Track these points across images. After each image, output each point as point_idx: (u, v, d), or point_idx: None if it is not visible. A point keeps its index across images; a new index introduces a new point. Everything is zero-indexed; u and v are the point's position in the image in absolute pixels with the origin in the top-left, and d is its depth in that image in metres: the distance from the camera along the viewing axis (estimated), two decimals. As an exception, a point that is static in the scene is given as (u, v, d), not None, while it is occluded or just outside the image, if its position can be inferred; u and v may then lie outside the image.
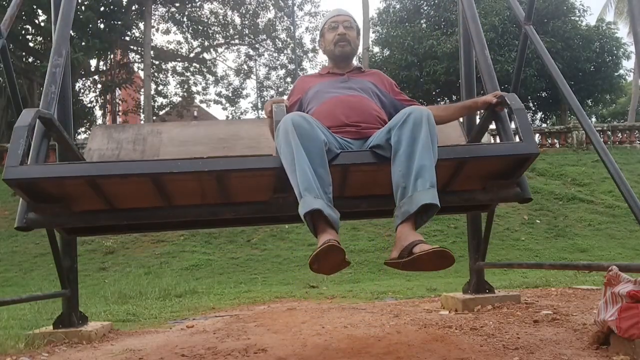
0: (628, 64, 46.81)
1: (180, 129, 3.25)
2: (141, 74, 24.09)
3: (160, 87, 27.12)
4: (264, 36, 25.94)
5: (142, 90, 23.34)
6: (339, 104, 2.38)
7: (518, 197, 2.45)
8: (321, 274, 1.89)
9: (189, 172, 2.05)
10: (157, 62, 25.75)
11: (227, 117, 29.05)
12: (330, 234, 1.82)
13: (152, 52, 22.72)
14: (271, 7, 25.58)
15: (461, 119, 3.19)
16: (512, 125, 2.41)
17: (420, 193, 1.85)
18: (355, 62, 2.74)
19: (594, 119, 30.88)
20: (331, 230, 1.84)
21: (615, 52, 21.04)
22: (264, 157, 2.14)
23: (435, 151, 1.95)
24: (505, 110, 2.40)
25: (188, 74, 26.85)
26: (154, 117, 25.25)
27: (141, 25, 23.36)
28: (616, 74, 21.69)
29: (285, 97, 2.53)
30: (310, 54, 26.73)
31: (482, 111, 2.65)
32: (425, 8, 21.50)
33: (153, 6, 22.87)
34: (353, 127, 2.30)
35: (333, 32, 2.60)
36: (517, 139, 2.25)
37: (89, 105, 25.65)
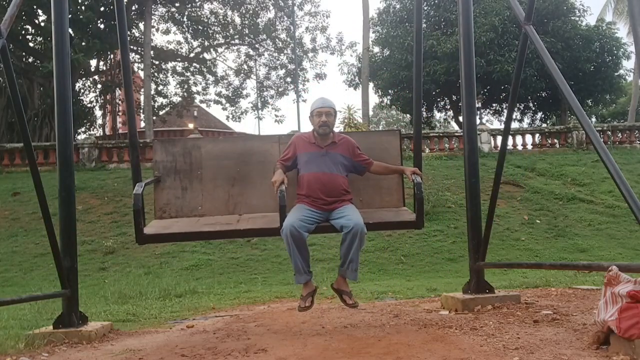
0: (628, 64, 46.77)
1: (212, 144, 4.42)
2: (141, 74, 24.06)
3: (160, 87, 27.08)
4: (264, 36, 25.88)
5: (142, 90, 23.31)
6: (318, 181, 3.80)
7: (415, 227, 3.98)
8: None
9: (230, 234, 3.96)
10: (157, 62, 25.72)
11: (227, 117, 29.06)
12: (308, 288, 3.76)
13: (152, 52, 22.70)
14: (271, 7, 25.55)
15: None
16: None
17: (350, 272, 3.69)
18: (334, 129, 4.04)
19: (594, 119, 30.86)
20: (309, 284, 3.77)
21: (615, 52, 21.02)
22: (274, 229, 3.71)
23: (362, 247, 3.64)
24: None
25: (188, 74, 26.81)
26: (154, 117, 25.24)
27: (141, 25, 23.35)
28: (616, 74, 21.67)
29: (283, 175, 3.76)
30: (310, 54, 26.73)
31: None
32: (425, 8, 21.45)
33: (153, 6, 22.85)
34: (324, 201, 3.77)
35: (318, 118, 3.88)
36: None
37: (89, 105, 25.65)
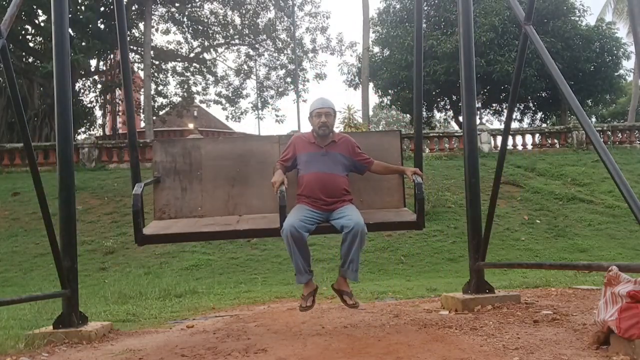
0: (628, 64, 46.76)
1: (212, 145, 4.40)
2: (141, 74, 24.06)
3: (160, 87, 27.07)
4: (264, 36, 25.88)
5: (142, 90, 23.31)
6: (317, 181, 3.79)
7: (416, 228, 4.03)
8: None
9: (230, 234, 3.96)
10: (157, 62, 25.72)
11: (227, 117, 29.06)
12: (309, 287, 3.78)
13: (152, 52, 22.70)
14: (271, 7, 25.55)
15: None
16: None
17: (350, 272, 3.68)
18: (334, 129, 4.03)
19: (594, 119, 30.84)
20: (310, 284, 3.78)
21: (615, 52, 21.00)
22: (274, 229, 3.69)
23: (363, 247, 3.64)
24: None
25: (188, 74, 26.81)
26: (154, 117, 25.23)
27: (141, 25, 23.35)
28: (616, 74, 21.65)
29: (283, 176, 3.74)
30: (310, 54, 26.72)
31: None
32: (426, 8, 21.44)
33: (153, 6, 22.84)
34: (324, 201, 3.77)
35: (318, 118, 3.88)
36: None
37: (89, 105, 25.64)
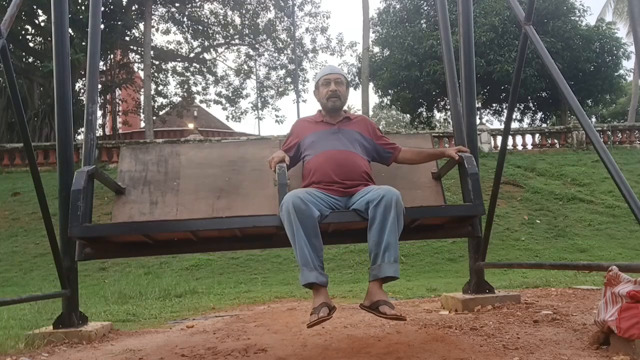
0: (628, 64, 46.86)
1: (195, 151, 3.69)
2: (141, 74, 24.08)
3: (160, 87, 27.10)
4: (264, 36, 25.90)
5: (142, 90, 23.32)
6: (330, 160, 2.85)
7: (469, 234, 3.30)
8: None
9: (215, 229, 2.81)
10: (157, 62, 25.72)
11: (227, 117, 29.07)
12: (322, 296, 2.50)
13: (152, 52, 22.71)
14: (271, 7, 25.56)
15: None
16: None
17: (386, 265, 2.56)
18: (345, 108, 3.21)
19: (594, 119, 30.84)
20: (323, 290, 2.52)
21: (615, 52, 21.03)
22: (270, 216, 2.75)
23: (400, 227, 2.55)
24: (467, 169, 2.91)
25: (188, 74, 26.83)
26: (154, 117, 25.23)
27: (141, 25, 23.35)
28: (616, 74, 21.68)
29: (284, 153, 2.91)
30: (310, 54, 26.74)
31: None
32: (425, 8, 21.50)
33: (153, 6, 22.85)
34: (340, 184, 2.80)
35: (326, 87, 3.04)
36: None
37: (89, 105, 25.60)
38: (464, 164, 2.94)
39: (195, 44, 26.29)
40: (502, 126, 7.17)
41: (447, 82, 4.45)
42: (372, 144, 3.10)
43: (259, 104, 27.92)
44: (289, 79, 26.93)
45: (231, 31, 25.99)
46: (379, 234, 2.54)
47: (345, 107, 3.20)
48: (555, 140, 17.68)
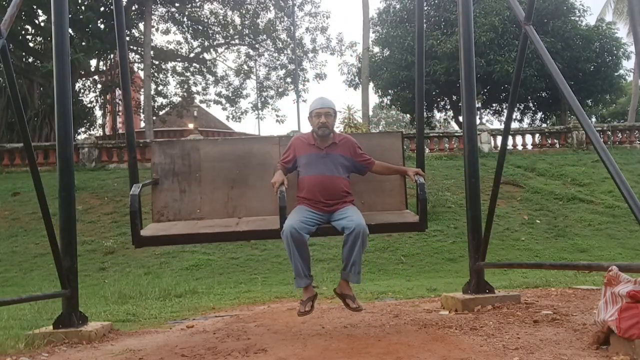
0: (628, 64, 46.71)
1: (211, 146, 4.33)
2: (141, 74, 24.06)
3: (160, 87, 27.07)
4: (264, 36, 25.88)
5: (142, 90, 23.30)
6: (318, 184, 3.75)
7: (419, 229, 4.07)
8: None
9: (229, 236, 3.89)
10: (157, 62, 25.71)
11: (227, 117, 29.05)
12: (308, 292, 3.65)
13: (152, 52, 22.69)
14: (271, 7, 25.54)
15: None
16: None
17: (352, 274, 3.60)
18: (334, 130, 3.98)
19: (594, 119, 30.83)
20: (310, 289, 3.66)
21: (615, 52, 21.00)
22: (274, 231, 3.66)
23: (365, 248, 3.59)
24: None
25: (188, 74, 26.81)
26: (154, 117, 25.22)
27: (141, 25, 23.34)
28: (616, 74, 21.64)
29: (283, 176, 3.74)
30: (310, 54, 26.72)
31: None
32: (426, 8, 21.40)
33: (153, 6, 22.83)
34: (324, 203, 3.73)
35: (317, 119, 3.81)
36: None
37: (89, 105, 25.63)
38: (417, 189, 3.74)
39: (195, 44, 26.29)
40: (502, 126, 7.17)
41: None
42: (352, 161, 3.91)
43: (259, 104, 27.91)
44: (289, 79, 26.92)
45: (231, 31, 25.97)
46: (349, 252, 3.54)
47: (334, 128, 4.01)
48: (555, 140, 17.67)
